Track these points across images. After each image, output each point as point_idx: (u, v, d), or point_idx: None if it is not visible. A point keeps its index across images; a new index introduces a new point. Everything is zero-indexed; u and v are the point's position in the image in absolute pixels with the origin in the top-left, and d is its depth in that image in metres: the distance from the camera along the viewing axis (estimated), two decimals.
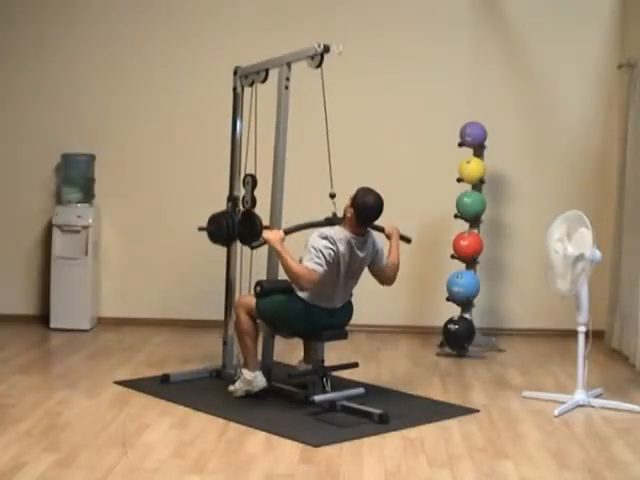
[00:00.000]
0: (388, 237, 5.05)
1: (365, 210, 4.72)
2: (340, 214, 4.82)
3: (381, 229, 5.04)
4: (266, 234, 4.80)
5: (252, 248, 5.16)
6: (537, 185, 6.94)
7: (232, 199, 5.45)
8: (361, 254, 4.78)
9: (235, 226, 5.32)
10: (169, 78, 7.03)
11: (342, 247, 4.68)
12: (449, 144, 6.44)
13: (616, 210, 6.58)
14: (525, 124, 6.96)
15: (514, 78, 6.94)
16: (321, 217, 4.85)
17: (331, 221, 4.83)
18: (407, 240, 5.20)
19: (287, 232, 4.80)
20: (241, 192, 5.40)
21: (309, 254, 4.63)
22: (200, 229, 5.42)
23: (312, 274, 4.59)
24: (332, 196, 4.83)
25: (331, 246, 4.64)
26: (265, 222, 5.12)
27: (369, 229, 4.87)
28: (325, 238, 4.65)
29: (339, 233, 4.70)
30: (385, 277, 4.98)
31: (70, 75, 7.07)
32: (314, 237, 4.67)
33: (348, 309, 4.96)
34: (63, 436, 4.22)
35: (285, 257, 4.62)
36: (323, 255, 4.61)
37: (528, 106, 6.96)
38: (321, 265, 4.60)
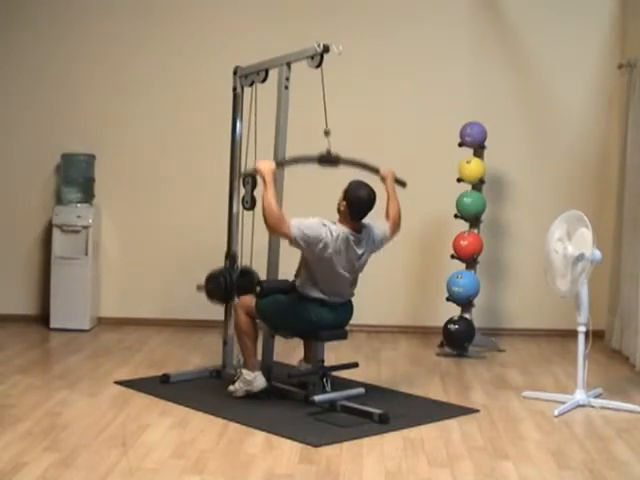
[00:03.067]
0: (383, 180, 5.06)
1: (358, 203, 4.72)
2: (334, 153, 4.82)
3: (376, 170, 5.04)
4: (258, 164, 4.77)
5: (242, 176, 5.14)
6: (537, 185, 6.94)
7: (230, 256, 5.43)
8: (359, 250, 4.77)
9: (233, 284, 5.24)
10: (169, 78, 7.03)
11: (338, 243, 4.66)
12: (449, 144, 6.44)
13: (616, 210, 6.58)
14: (525, 124, 6.97)
15: (514, 78, 6.94)
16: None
17: (324, 157, 4.82)
18: (402, 184, 5.20)
19: (280, 164, 4.80)
20: (241, 193, 5.40)
21: (302, 219, 4.61)
22: (198, 288, 5.42)
23: (283, 224, 4.56)
24: (326, 133, 4.80)
25: (322, 234, 4.60)
26: (262, 276, 5.09)
27: (365, 223, 4.84)
28: (324, 225, 4.65)
29: (337, 230, 4.69)
30: (392, 232, 4.99)
31: (70, 75, 7.08)
32: (316, 218, 4.66)
33: (348, 309, 4.96)
34: (63, 436, 4.22)
35: (269, 190, 4.60)
36: (308, 228, 4.58)
37: (528, 106, 6.96)
38: (298, 230, 4.56)
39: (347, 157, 4.90)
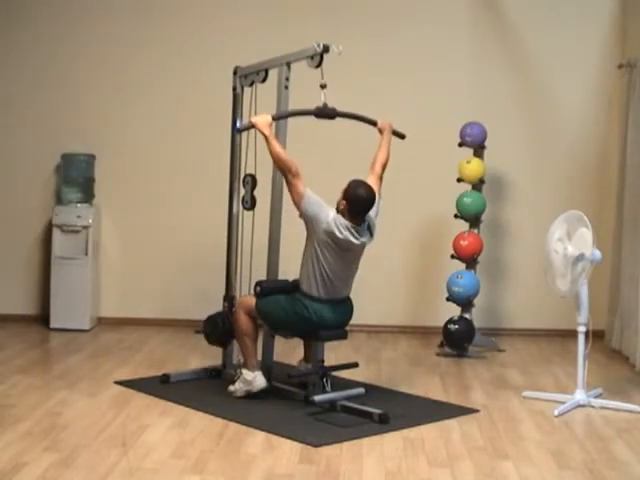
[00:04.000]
0: (380, 131, 5.07)
1: (357, 202, 4.72)
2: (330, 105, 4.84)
3: (374, 123, 5.06)
4: (254, 118, 4.80)
5: (238, 131, 5.16)
6: (537, 185, 6.94)
7: (228, 299, 5.42)
8: (359, 241, 4.75)
9: (231, 327, 5.19)
10: (169, 78, 7.03)
11: (341, 230, 4.66)
12: (449, 144, 6.44)
13: (616, 210, 6.58)
14: (525, 124, 6.96)
15: (514, 78, 6.94)
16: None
17: (321, 110, 4.84)
18: (401, 136, 5.22)
19: (275, 118, 4.81)
20: (241, 193, 5.40)
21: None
22: (197, 332, 5.45)
23: (294, 165, 4.65)
24: (322, 86, 4.82)
25: (324, 212, 4.65)
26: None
27: (365, 218, 4.82)
28: (329, 209, 4.68)
29: (340, 218, 4.70)
30: (377, 184, 4.98)
31: (70, 75, 7.08)
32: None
33: (348, 309, 4.95)
34: (63, 436, 4.22)
35: (272, 142, 4.68)
36: (314, 202, 4.66)
37: (528, 106, 6.96)
38: (307, 192, 4.64)
39: (344, 110, 4.92)
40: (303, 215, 4.71)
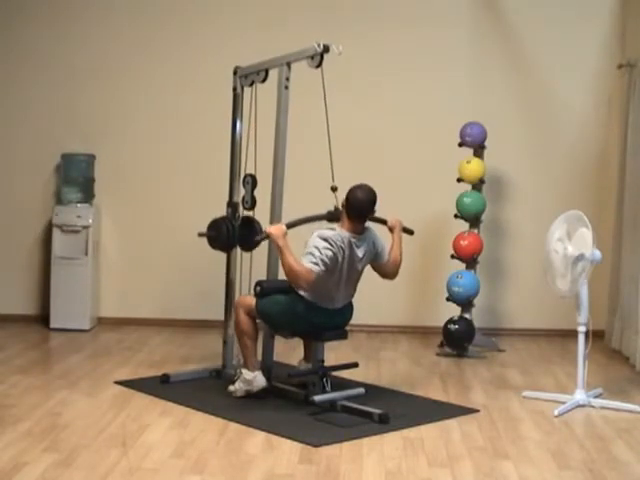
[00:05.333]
0: (391, 230, 5.06)
1: (356, 204, 4.73)
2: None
3: (384, 221, 5.05)
4: (269, 228, 4.78)
5: (256, 243, 5.13)
6: (537, 185, 6.94)
7: (232, 204, 5.44)
8: (360, 253, 4.78)
9: (235, 231, 5.30)
10: (169, 78, 7.03)
11: (342, 248, 4.67)
12: (449, 144, 6.44)
13: (616, 210, 6.58)
14: (525, 124, 6.96)
15: (514, 78, 6.94)
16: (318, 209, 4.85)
17: (333, 214, 4.84)
18: (410, 232, 5.21)
19: (289, 226, 4.78)
20: (241, 193, 5.40)
21: (308, 254, 4.63)
22: (200, 235, 5.42)
23: (310, 274, 4.59)
24: (334, 189, 4.82)
25: (331, 247, 4.64)
26: (265, 225, 5.11)
27: (368, 227, 4.85)
28: (325, 240, 4.65)
29: (338, 234, 4.69)
30: (386, 272, 5.00)
31: (70, 75, 7.07)
32: (314, 237, 4.67)
33: (348, 309, 4.96)
34: (63, 436, 4.22)
35: (286, 253, 4.61)
36: (322, 256, 4.61)
37: (528, 106, 6.96)
38: (318, 265, 4.60)
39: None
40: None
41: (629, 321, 6.10)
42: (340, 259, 4.68)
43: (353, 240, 4.74)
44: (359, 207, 4.75)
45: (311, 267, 4.59)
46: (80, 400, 4.90)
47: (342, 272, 4.73)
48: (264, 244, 5.09)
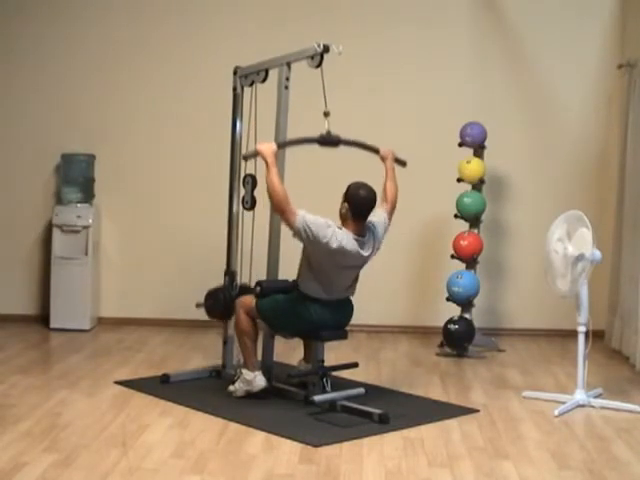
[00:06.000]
0: (383, 159, 5.07)
1: (358, 202, 4.71)
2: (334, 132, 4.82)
3: (376, 150, 5.06)
4: (259, 145, 4.77)
5: (244, 159, 5.12)
6: (537, 185, 6.94)
7: (229, 273, 5.42)
8: (365, 253, 4.76)
9: (232, 301, 5.21)
10: (169, 78, 7.03)
11: (342, 245, 4.65)
12: (449, 144, 6.44)
13: (616, 210, 6.58)
14: (525, 124, 6.97)
15: (514, 78, 6.94)
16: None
17: (325, 138, 4.82)
18: (403, 163, 5.22)
19: (280, 146, 4.80)
20: (241, 193, 5.39)
21: (310, 214, 4.60)
22: (198, 306, 5.43)
23: (287, 205, 4.56)
24: (326, 114, 4.80)
25: (328, 235, 4.57)
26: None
27: (367, 225, 4.83)
28: (329, 227, 4.62)
29: (342, 235, 4.66)
30: (390, 213, 4.99)
31: (70, 75, 7.08)
32: (325, 220, 4.64)
33: (349, 308, 4.95)
34: (63, 436, 4.22)
35: (272, 171, 4.61)
36: (312, 227, 4.56)
37: (528, 106, 6.96)
38: (302, 223, 4.55)
39: (347, 138, 4.91)
40: (297, 234, 4.62)
41: (629, 321, 6.11)
42: (335, 247, 4.58)
43: (357, 242, 4.71)
44: (362, 205, 4.73)
45: (297, 212, 4.57)
46: (80, 400, 4.90)
47: (340, 266, 4.69)
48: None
